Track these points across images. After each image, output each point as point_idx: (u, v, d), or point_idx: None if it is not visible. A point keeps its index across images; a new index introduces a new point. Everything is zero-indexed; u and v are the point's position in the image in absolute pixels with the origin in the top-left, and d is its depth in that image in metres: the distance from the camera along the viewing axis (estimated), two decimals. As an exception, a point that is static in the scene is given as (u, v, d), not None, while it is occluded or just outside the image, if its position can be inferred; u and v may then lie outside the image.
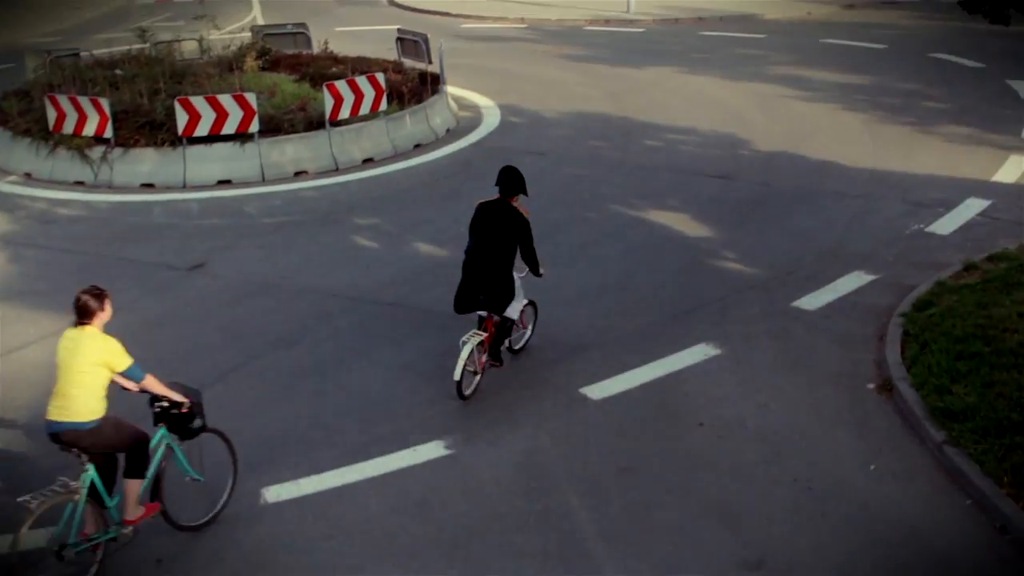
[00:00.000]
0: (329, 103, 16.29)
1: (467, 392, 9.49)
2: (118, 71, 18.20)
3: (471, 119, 19.08)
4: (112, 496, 7.28)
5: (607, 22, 28.07)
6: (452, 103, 19.43)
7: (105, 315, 7.15)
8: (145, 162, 15.83)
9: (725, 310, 11.17)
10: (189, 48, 20.27)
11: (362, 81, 16.76)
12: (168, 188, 15.66)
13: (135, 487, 7.35)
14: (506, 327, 9.64)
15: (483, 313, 9.47)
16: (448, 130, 18.26)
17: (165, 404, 7.48)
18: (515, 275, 9.56)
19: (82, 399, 7.01)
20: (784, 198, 14.44)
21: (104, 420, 7.10)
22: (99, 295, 7.13)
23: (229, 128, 15.80)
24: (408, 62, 20.03)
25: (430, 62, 19.34)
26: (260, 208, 14.85)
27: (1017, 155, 15.76)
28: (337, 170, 16.27)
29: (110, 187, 15.73)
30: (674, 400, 9.48)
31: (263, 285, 12.18)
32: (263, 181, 15.87)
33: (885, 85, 20.19)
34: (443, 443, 8.96)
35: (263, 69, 19.35)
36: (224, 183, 15.78)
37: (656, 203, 14.34)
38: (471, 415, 9.37)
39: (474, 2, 31.62)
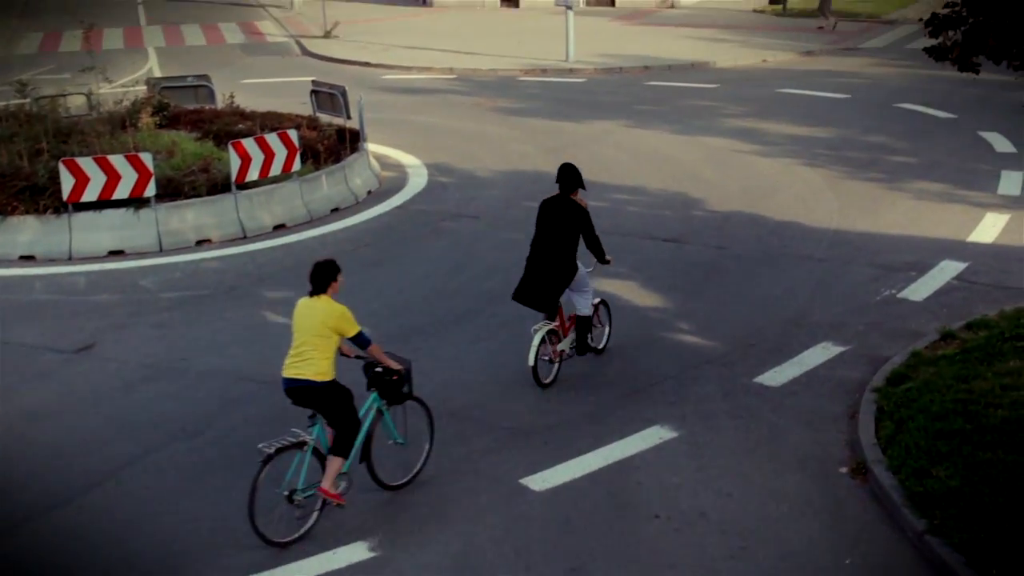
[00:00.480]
0: (235, 163, 16.26)
1: (546, 380, 11.17)
2: (-6, 129, 18.02)
3: (395, 180, 19.15)
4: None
5: (544, 72, 28.49)
6: (373, 162, 19.50)
7: (337, 286, 8.91)
8: (25, 231, 15.63)
9: (680, 388, 11.23)
10: (76, 103, 20.14)
11: (272, 139, 16.78)
12: (51, 260, 15.45)
13: (337, 464, 8.93)
14: (583, 325, 11.44)
15: (542, 332, 11.14)
16: (369, 192, 18.30)
17: (379, 370, 9.14)
18: (581, 268, 11.27)
19: (314, 360, 8.71)
20: (742, 263, 14.64)
21: (332, 383, 8.78)
22: (332, 267, 8.88)
23: (121, 192, 15.68)
24: (324, 117, 20.10)
25: (349, 117, 19.43)
26: (157, 281, 14.70)
27: (994, 213, 16.16)
28: (245, 238, 16.20)
29: (-16, 260, 15.50)
30: (626, 490, 9.46)
31: (161, 368, 12.01)
32: (160, 251, 15.73)
33: (849, 138, 20.67)
34: (367, 544, 8.84)
35: (160, 126, 19.29)
36: (116, 254, 15.61)
37: (603, 271, 14.43)
38: (398, 511, 9.27)
39: (397, 51, 31.94)
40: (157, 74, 29.13)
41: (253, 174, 16.53)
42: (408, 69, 29.67)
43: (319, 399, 8.82)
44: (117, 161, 15.66)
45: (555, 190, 11.53)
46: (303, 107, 21.52)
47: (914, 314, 12.79)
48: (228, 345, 12.56)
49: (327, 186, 17.51)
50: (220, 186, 16.45)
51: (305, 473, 8.81)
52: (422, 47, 32.20)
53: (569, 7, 28.82)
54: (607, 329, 12.12)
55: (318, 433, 8.92)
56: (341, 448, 8.95)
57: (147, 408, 11.15)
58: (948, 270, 14.05)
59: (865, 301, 13.21)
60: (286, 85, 27.96)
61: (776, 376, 11.39)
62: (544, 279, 11.17)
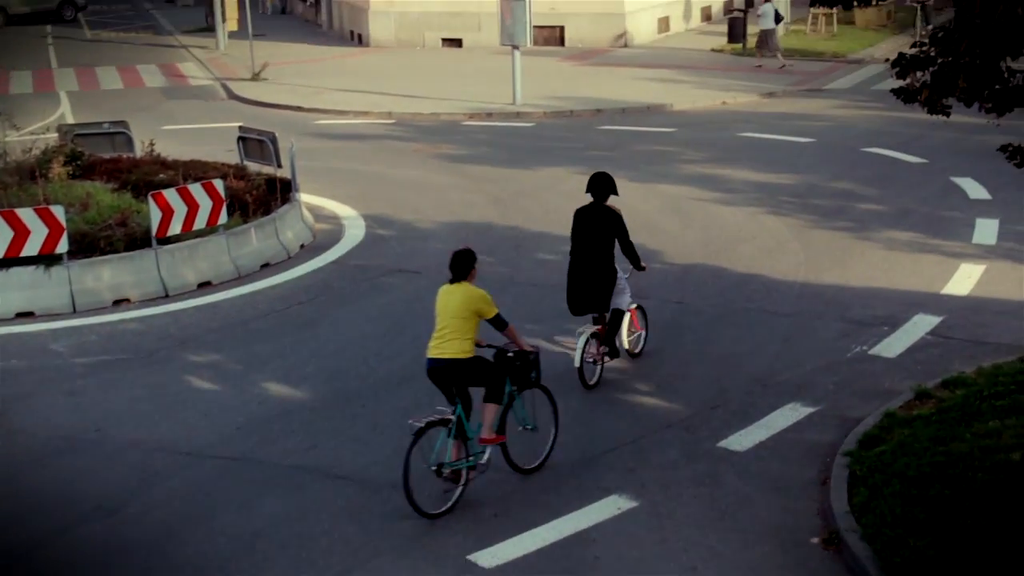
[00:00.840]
0: (156, 216, 16.23)
1: (591, 381, 12.63)
2: None
3: (330, 232, 19.18)
4: (472, 431, 10.45)
5: (490, 116, 28.71)
6: (307, 214, 19.52)
7: (475, 273, 10.58)
8: (-76, 292, 15.47)
9: (640, 454, 11.28)
10: (-20, 152, 20.05)
11: (196, 189, 16.77)
12: (-47, 324, 15.30)
13: (493, 410, 10.57)
14: (617, 319, 12.84)
15: (588, 335, 12.76)
16: (302, 246, 18.30)
17: (511, 355, 10.65)
18: (620, 273, 12.82)
19: (457, 340, 10.37)
20: (704, 319, 14.77)
21: (474, 358, 10.43)
22: (470, 255, 10.62)
23: (31, 249, 15.58)
24: (253, 166, 20.13)
25: (279, 166, 19.47)
26: (70, 345, 14.58)
27: (969, 263, 16.46)
28: (167, 297, 16.13)
29: None
30: (583, 565, 9.47)
31: (74, 440, 11.89)
32: (74, 312, 15.62)
33: (815, 185, 20.99)
34: (302, 631, 8.76)
35: (74, 177, 19.21)
36: (25, 316, 15.49)
37: (554, 327, 14.51)
38: (336, 594, 9.21)
39: (331, 94, 32.07)
40: (70, 120, 29.00)
41: (175, 228, 16.49)
42: (343, 113, 29.77)
43: (464, 373, 10.45)
44: (26, 215, 15.57)
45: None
46: (230, 155, 21.53)
47: (887, 372, 12.96)
48: (148, 414, 12.47)
49: (256, 240, 17.50)
50: (139, 241, 16.40)
51: (450, 450, 10.29)
52: (358, 90, 32.35)
53: (516, 47, 29.12)
54: (644, 334, 13.57)
55: (459, 412, 10.40)
56: (494, 396, 10.57)
57: (59, 484, 11.03)
58: (922, 325, 14.27)
59: (835, 358, 13.38)
60: (211, 131, 27.95)
61: (742, 440, 11.48)
62: (591, 286, 12.73)
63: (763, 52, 34.29)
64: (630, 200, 20.32)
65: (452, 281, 10.66)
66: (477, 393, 10.66)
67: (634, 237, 18.12)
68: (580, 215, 12.86)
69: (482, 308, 10.50)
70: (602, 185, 12.79)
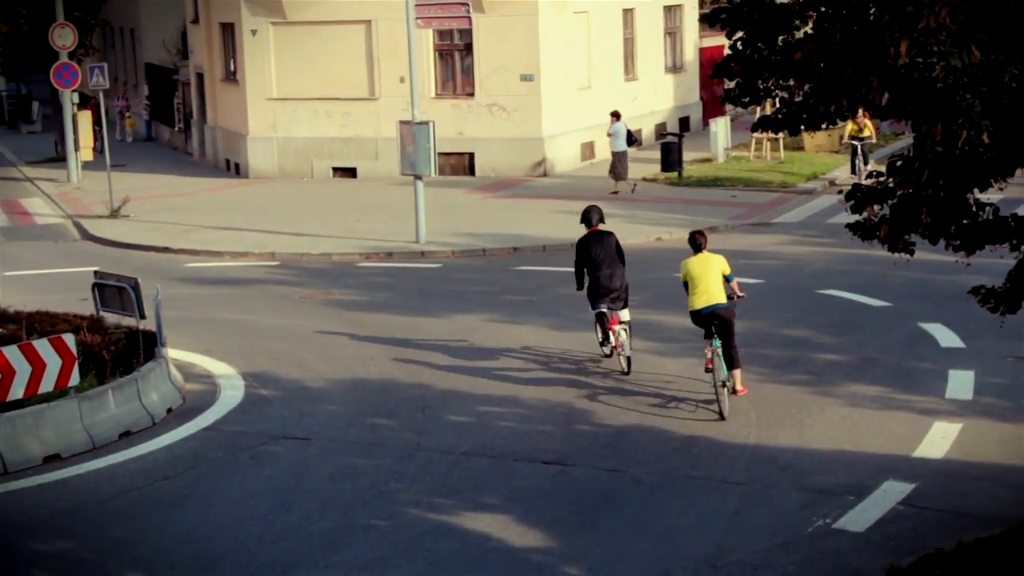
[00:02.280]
0: (-5, 378, 16.01)
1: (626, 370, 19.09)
2: None
3: (203, 393, 19.03)
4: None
5: (390, 256, 28.90)
6: (175, 372, 19.38)
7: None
8: None
9: (572, 651, 11.16)
10: None
11: (42, 346, 16.60)
12: None
13: (738, 374, 17.54)
14: (629, 327, 19.38)
15: (607, 312, 19.06)
16: (170, 410, 18.13)
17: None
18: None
19: (715, 290, 17.21)
20: (642, 489, 14.79)
21: (729, 301, 17.40)
22: (701, 233, 17.77)
23: None
24: (111, 317, 20.00)
25: (142, 316, 19.37)
26: None
27: (943, 421, 16.70)
28: (6, 473, 15.83)
29: None
30: None
31: None
32: None
33: (764, 332, 21.27)
34: None
35: None
36: None
37: (468, 502, 14.44)
38: None
39: (203, 233, 32.11)
40: None
41: (17, 392, 16.27)
42: (218, 255, 29.78)
43: (726, 314, 17.34)
44: None
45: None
46: (83, 305, 21.37)
47: (854, 548, 13.02)
48: (-17, 616, 12.14)
49: (115, 404, 17.31)
50: (-26, 408, 16.14)
51: (724, 369, 16.99)
52: (236, 227, 32.45)
53: (419, 177, 29.48)
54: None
55: (717, 344, 17.12)
56: (734, 361, 17.51)
57: None
58: (892, 493, 14.40)
59: (794, 534, 13.42)
60: (61, 278, 27.77)
61: (690, 632, 11.41)
62: (619, 287, 19.15)
63: (618, 177, 35.31)
64: (548, 348, 20.46)
65: (696, 253, 17.58)
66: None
67: (560, 395, 18.26)
68: (593, 238, 19.44)
69: (726, 267, 17.63)
70: (599, 213, 19.96)
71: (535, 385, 18.81)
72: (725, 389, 17.07)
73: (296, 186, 39.22)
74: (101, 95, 37.35)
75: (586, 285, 19.27)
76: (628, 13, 43.41)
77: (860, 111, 34.22)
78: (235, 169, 42.57)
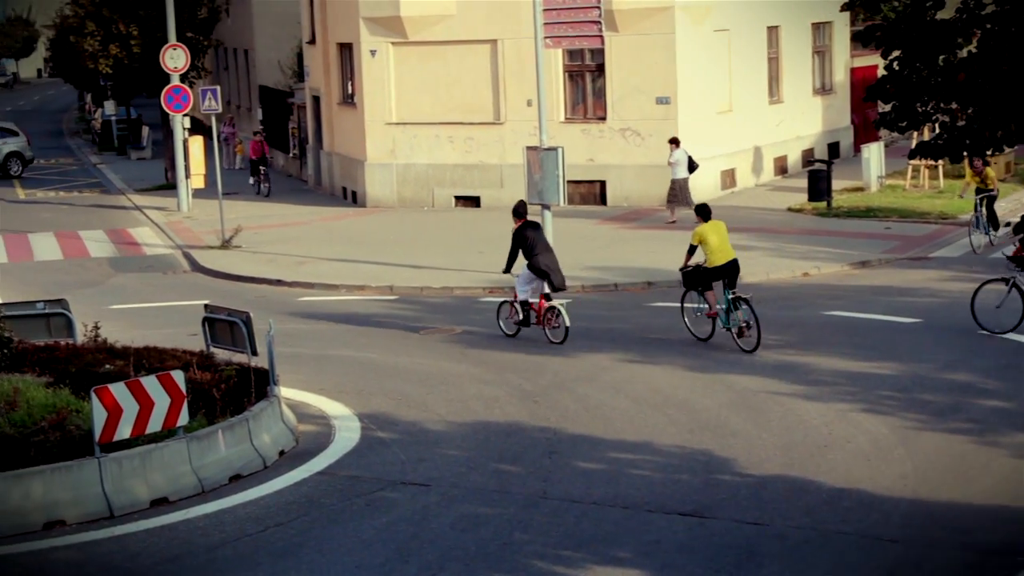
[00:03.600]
0: (100, 417, 16.28)
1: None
2: None
3: (316, 435, 19.18)
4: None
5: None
6: (288, 412, 19.57)
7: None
8: None
9: None
10: None
11: (150, 383, 16.84)
12: None
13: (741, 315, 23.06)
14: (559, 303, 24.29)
15: (547, 291, 23.96)
16: (282, 452, 18.29)
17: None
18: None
19: (728, 247, 23.10)
20: (787, 545, 14.61)
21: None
22: (706, 206, 23.80)
23: (-56, 457, 15.61)
24: (221, 353, 20.25)
25: (254, 353, 19.58)
26: (-11, 580, 14.51)
27: (1120, 473, 16.29)
28: (111, 518, 16.06)
29: None
30: None
31: None
32: (-5, 538, 15.57)
33: (923, 376, 20.95)
34: None
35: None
36: (-67, 542, 15.44)
37: (598, 555, 14.36)
38: None
39: (318, 265, 32.46)
40: (-4, 298, 29.37)
41: (124, 431, 16.50)
42: (334, 288, 30.06)
43: (738, 269, 23.03)
44: (-60, 415, 15.64)
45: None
46: (193, 340, 21.68)
47: (1023, 612, 12.73)
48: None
49: (225, 445, 17.50)
50: (79, 448, 16.40)
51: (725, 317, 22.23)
52: (351, 259, 32.75)
53: (546, 206, 29.53)
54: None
55: (729, 294, 22.50)
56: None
57: None
58: (1065, 552, 14.08)
59: (956, 596, 13.17)
60: (170, 311, 28.25)
61: None
62: (555, 267, 23.96)
63: (674, 207, 35.21)
64: (692, 394, 20.36)
65: (705, 221, 23.23)
66: None
67: (698, 441, 18.17)
68: (531, 226, 24.26)
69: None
70: (526, 206, 24.99)
71: (671, 430, 18.69)
72: (731, 332, 22.84)
73: (416, 216, 39.52)
74: (213, 119, 38.01)
75: (523, 270, 24.15)
76: (773, 31, 43.19)
77: (976, 160, 32.56)
78: (352, 197, 43.05)
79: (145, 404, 16.71)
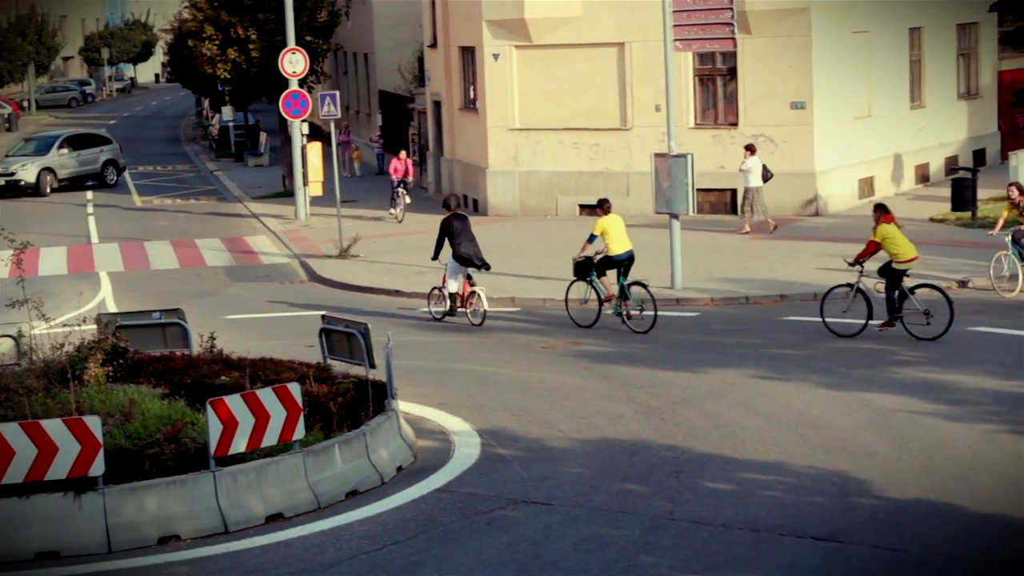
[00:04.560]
0: (215, 430, 16.47)
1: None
2: None
3: (435, 451, 19.25)
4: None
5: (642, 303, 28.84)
6: (406, 427, 19.67)
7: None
8: (-77, 524, 15.81)
9: None
10: (1, 349, 20.65)
11: (267, 396, 17.01)
12: (-42, 565, 15.58)
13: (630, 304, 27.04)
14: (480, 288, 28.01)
15: (472, 271, 27.56)
16: (400, 468, 18.38)
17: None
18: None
19: (626, 239, 26.68)
20: (927, 573, 14.42)
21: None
22: (609, 201, 27.68)
23: (58, 471, 15.85)
24: (338, 365, 20.41)
25: (372, 365, 19.72)
26: (102, 596, 14.72)
27: None
28: (226, 533, 16.23)
29: None
30: None
31: None
32: (109, 552, 15.77)
33: (1073, 395, 20.59)
34: None
35: (114, 379, 19.64)
36: (47, 557, 15.68)
37: (727, 581, 14.29)
38: None
39: (437, 275, 32.55)
40: (111, 308, 29.89)
41: (239, 444, 16.68)
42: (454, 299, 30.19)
43: (633, 259, 26.41)
44: (53, 428, 15.89)
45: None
46: (310, 352, 21.88)
47: None
48: None
49: (342, 460, 17.62)
50: (194, 461, 16.61)
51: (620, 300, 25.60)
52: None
53: (674, 215, 29.44)
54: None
55: (623, 281, 26.12)
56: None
57: None
58: None
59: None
60: (287, 321, 28.54)
61: None
62: (477, 255, 27.21)
63: (749, 215, 34.92)
64: (826, 413, 20.16)
65: (606, 214, 26.64)
66: None
67: (833, 462, 18.02)
68: (458, 217, 27.64)
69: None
70: (457, 199, 29.07)
71: (804, 450, 18.53)
72: (621, 316, 26.37)
73: (539, 225, 39.58)
74: (332, 125, 38.38)
75: (449, 258, 27.41)
76: (915, 32, 42.71)
77: (1014, 187, 30.46)
78: (473, 206, 43.19)
79: (261, 417, 16.88)
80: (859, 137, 39.74)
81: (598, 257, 26.71)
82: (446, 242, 27.53)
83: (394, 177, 42.78)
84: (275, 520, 16.62)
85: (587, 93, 40.27)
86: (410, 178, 43.36)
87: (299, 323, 27.36)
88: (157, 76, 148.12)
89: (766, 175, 36.06)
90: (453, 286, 27.55)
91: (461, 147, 44.81)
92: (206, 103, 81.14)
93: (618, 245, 26.46)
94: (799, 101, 38.11)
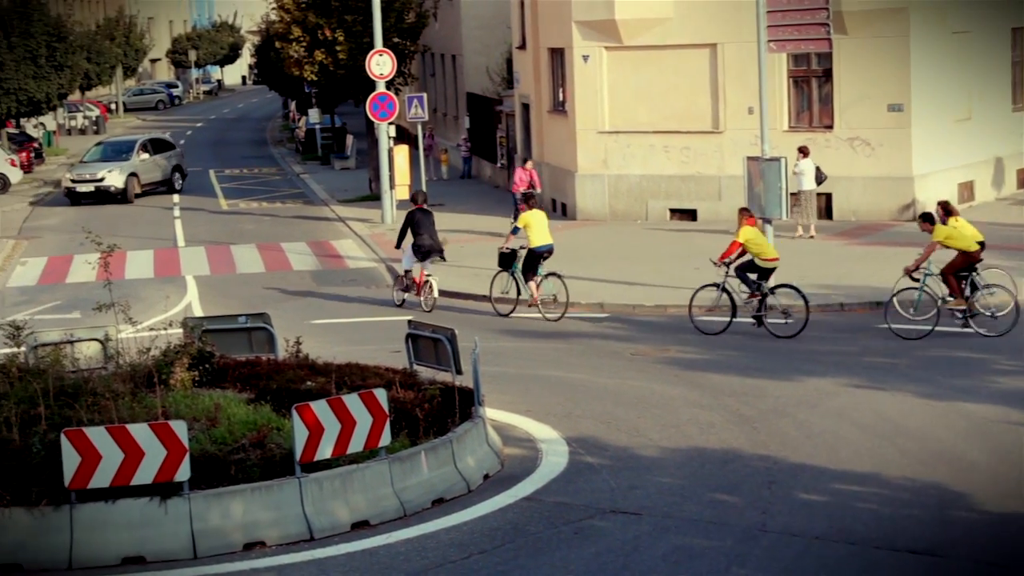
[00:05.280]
0: (301, 435, 16.56)
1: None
2: (-26, 389, 18.70)
3: (522, 459, 19.26)
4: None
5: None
6: (493, 434, 19.69)
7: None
8: (10, 530, 15.94)
9: None
10: (88, 353, 20.86)
11: (352, 402, 17.08)
12: (43, 572, 15.73)
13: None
14: (434, 277, 30.81)
15: (429, 263, 30.45)
16: (487, 476, 18.40)
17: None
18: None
19: (548, 233, 29.22)
20: (1029, 588, 14.26)
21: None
22: (534, 197, 32.07)
23: (144, 476, 16.00)
24: (425, 371, 20.46)
25: (459, 371, 19.75)
26: (187, 602, 14.83)
27: None
28: (312, 540, 16.31)
29: (-49, 569, 15.88)
30: None
31: None
32: (194, 558, 15.89)
33: None
34: None
35: (200, 384, 19.80)
36: (133, 562, 15.82)
37: (821, 595, 14.18)
38: None
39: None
40: (197, 312, 30.16)
41: (325, 451, 16.76)
42: (543, 304, 30.16)
43: (552, 250, 29.02)
44: (139, 433, 16.05)
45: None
46: (396, 358, 21.96)
47: None
48: None
49: (428, 468, 17.66)
50: (279, 467, 16.72)
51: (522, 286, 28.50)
52: (561, 274, 32.79)
53: (768, 220, 29.29)
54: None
55: (542, 272, 29.01)
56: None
57: None
58: None
59: None
60: (373, 327, 28.66)
61: None
62: (434, 247, 30.00)
63: (802, 218, 34.68)
64: (923, 423, 19.98)
65: (530, 209, 29.26)
66: None
67: (931, 474, 17.84)
68: (421, 212, 30.36)
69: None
70: (424, 196, 31.63)
71: (901, 461, 18.38)
72: (539, 306, 28.99)
73: (628, 229, 39.50)
74: (419, 128, 38.46)
75: (408, 246, 30.17)
76: (1018, 32, 42.20)
77: (939, 208, 29.98)
78: (561, 210, 43.21)
79: (347, 423, 16.96)
80: (958, 140, 39.32)
81: (522, 251, 29.23)
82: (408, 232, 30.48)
83: (519, 190, 38.92)
84: (360, 527, 16.69)
85: (678, 95, 40.13)
86: (538, 190, 39.65)
87: (385, 328, 27.46)
88: (244, 78, 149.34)
89: (820, 178, 35.93)
90: (408, 265, 30.50)
91: (550, 150, 44.81)
92: (292, 105, 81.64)
93: (538, 238, 28.94)
94: (897, 103, 37.77)
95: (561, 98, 43.57)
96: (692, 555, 15.42)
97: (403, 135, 51.18)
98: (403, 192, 42.16)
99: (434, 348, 20.29)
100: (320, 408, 16.80)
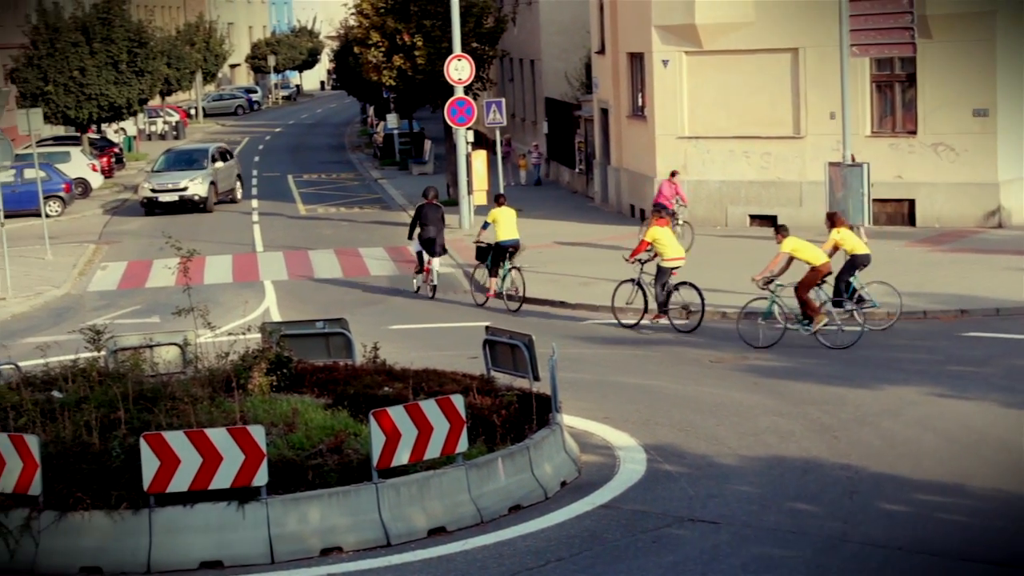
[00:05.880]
0: (378, 441, 16.63)
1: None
2: (55, 393, 18.87)
3: (600, 466, 19.24)
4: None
5: (815, 317, 28.57)
6: (571, 441, 19.68)
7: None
8: (91, 533, 16.12)
9: None
10: (166, 357, 21.05)
11: (430, 407, 17.13)
12: (123, 575, 15.87)
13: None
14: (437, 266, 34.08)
15: (426, 257, 33.32)
16: (564, 483, 18.39)
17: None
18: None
19: (514, 229, 31.98)
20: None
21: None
22: (504, 196, 34.26)
23: (222, 480, 16.13)
24: (502, 378, 20.48)
25: (536, 378, 19.76)
26: (264, 607, 14.92)
27: None
28: (388, 546, 16.37)
29: (32, 574, 16.01)
30: None
31: None
32: (272, 563, 16.00)
33: None
34: None
35: (278, 389, 19.91)
36: (211, 567, 15.94)
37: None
38: None
39: (605, 286, 32.54)
40: (276, 318, 30.33)
41: (402, 456, 16.82)
42: (621, 311, 30.12)
43: (519, 246, 31.80)
44: (218, 437, 16.18)
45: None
46: (473, 363, 22.00)
47: None
48: None
49: (505, 474, 17.68)
50: (356, 472, 16.79)
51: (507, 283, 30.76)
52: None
53: (850, 227, 29.09)
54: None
55: (508, 266, 31.41)
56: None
57: None
58: None
59: None
60: (450, 332, 28.72)
61: None
62: (438, 241, 33.01)
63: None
64: (1009, 434, 19.78)
65: (499, 206, 32.03)
66: None
67: (1017, 485, 17.70)
68: (428, 207, 32.94)
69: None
70: (435, 191, 33.91)
71: (986, 472, 18.21)
72: (505, 297, 31.20)
73: (708, 235, 39.35)
74: (498, 133, 38.49)
75: (416, 236, 33.05)
76: (1105, 36, 41.66)
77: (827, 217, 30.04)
78: (640, 215, 43.09)
79: (424, 429, 17.00)
80: (1045, 146, 38.89)
81: (485, 244, 31.86)
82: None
83: (663, 202, 36.58)
84: (437, 533, 16.74)
85: (759, 100, 39.93)
86: (684, 204, 37.78)
87: (463, 334, 27.51)
88: (322, 83, 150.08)
89: None
90: (416, 249, 33.60)
91: (628, 155, 44.74)
92: (371, 110, 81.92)
93: (504, 233, 31.51)
94: (982, 108, 37.38)
95: (640, 103, 43.50)
96: (772, 565, 15.35)
97: (481, 140, 51.21)
98: (481, 197, 42.23)
99: (511, 354, 20.31)
100: (397, 414, 16.86)
